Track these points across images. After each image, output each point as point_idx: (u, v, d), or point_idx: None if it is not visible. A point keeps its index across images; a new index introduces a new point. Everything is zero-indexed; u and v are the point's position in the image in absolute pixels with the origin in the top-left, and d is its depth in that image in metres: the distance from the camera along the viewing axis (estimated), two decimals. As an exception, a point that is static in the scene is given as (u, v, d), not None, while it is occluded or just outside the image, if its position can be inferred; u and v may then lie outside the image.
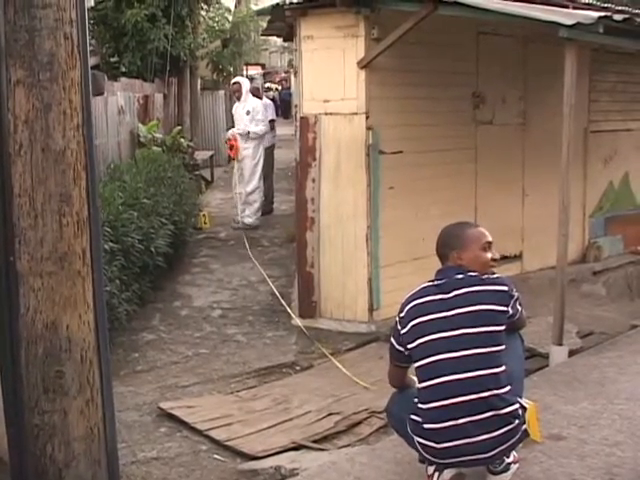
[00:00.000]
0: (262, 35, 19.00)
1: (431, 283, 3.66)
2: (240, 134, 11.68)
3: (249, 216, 11.80)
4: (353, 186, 7.59)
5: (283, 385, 6.46)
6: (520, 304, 3.67)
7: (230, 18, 20.60)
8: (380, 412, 5.47)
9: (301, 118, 7.79)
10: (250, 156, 11.72)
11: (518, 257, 9.44)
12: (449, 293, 3.55)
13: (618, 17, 5.63)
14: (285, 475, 4.59)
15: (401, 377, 3.85)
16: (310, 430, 5.39)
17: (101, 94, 10.44)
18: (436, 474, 3.59)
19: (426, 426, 3.49)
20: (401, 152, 7.73)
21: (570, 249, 6.49)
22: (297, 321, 7.85)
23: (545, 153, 8.74)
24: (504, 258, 9.23)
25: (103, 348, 3.11)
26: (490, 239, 3.76)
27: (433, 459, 3.55)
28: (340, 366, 6.65)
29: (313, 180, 7.72)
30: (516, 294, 3.63)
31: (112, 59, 14.63)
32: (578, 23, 5.55)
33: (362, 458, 4.25)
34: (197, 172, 14.23)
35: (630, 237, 11.01)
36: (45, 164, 2.92)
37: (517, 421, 3.49)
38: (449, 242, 3.72)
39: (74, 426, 3.04)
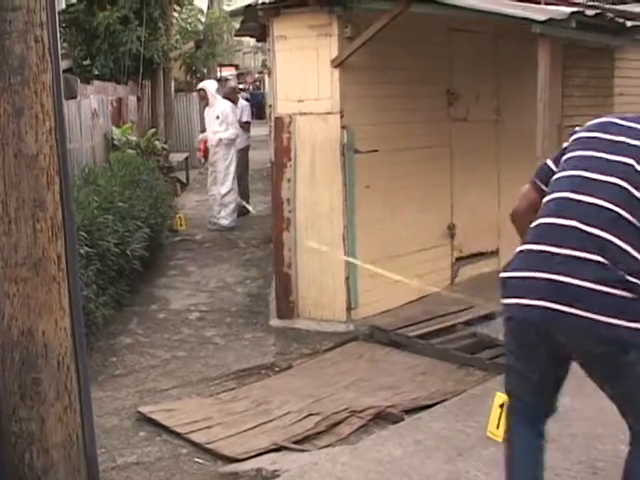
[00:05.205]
0: (235, 36, 19.06)
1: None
2: (212, 144, 11.73)
3: (225, 217, 11.79)
4: (329, 186, 7.58)
5: (262, 386, 6.44)
6: None
7: (203, 19, 20.61)
8: (360, 411, 5.48)
9: (276, 118, 7.77)
10: (221, 158, 11.73)
11: (494, 253, 9.45)
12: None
13: (590, 12, 5.68)
14: (266, 477, 4.56)
15: (530, 199, 3.23)
16: (290, 431, 5.38)
17: (74, 98, 10.39)
18: None
19: None
20: (376, 151, 7.73)
21: (546, 244, 6.49)
22: (275, 322, 7.83)
23: (520, 149, 8.75)
24: (481, 254, 9.28)
25: (80, 353, 3.08)
26: None
27: None
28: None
29: (289, 180, 7.71)
30: None
31: (84, 62, 14.55)
32: (551, 19, 5.59)
33: (343, 458, 4.26)
34: (172, 174, 14.21)
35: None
36: (18, 169, 2.89)
37: None
38: None
39: (52, 433, 3.01)
